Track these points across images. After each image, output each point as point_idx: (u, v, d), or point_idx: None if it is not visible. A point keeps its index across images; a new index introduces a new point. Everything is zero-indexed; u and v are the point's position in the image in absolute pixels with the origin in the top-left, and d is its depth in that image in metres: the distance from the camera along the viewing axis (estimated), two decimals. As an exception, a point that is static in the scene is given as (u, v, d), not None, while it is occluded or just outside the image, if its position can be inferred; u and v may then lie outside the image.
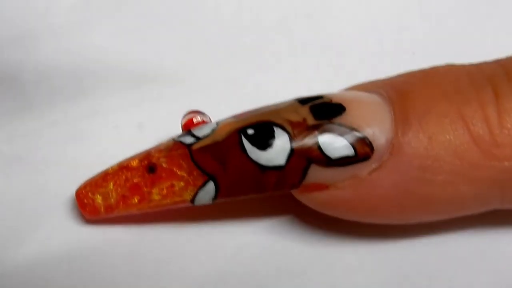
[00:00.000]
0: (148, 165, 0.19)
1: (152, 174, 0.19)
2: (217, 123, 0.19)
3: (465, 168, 0.17)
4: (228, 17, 0.26)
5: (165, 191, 0.19)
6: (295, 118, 0.18)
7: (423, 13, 0.26)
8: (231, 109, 0.20)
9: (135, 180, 0.19)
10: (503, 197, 0.18)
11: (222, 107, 0.20)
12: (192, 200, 0.19)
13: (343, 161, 0.18)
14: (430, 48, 0.25)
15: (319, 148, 0.18)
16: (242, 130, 0.18)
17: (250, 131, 0.18)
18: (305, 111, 0.18)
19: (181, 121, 0.20)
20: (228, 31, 0.26)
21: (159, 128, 0.23)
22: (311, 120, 0.18)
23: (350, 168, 0.18)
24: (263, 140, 0.18)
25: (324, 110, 0.18)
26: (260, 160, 0.18)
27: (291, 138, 0.18)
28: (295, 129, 0.18)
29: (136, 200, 0.19)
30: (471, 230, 0.20)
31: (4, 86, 0.24)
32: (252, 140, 0.18)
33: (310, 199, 0.19)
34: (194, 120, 0.20)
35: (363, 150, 0.18)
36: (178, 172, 0.19)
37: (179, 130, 0.20)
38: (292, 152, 0.18)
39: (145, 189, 0.19)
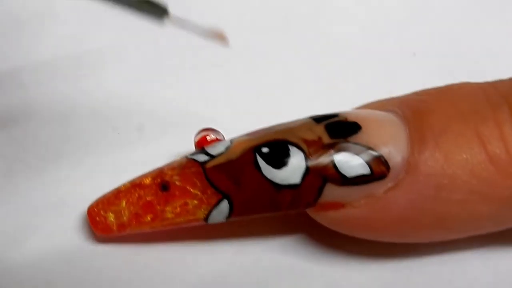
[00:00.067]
0: (161, 183, 0.19)
1: (165, 192, 0.19)
2: (231, 141, 0.19)
3: (482, 187, 0.17)
4: (227, 17, 0.26)
5: (178, 209, 0.19)
6: (310, 136, 0.18)
7: (423, 13, 0.26)
8: (231, 109, 0.19)
9: (148, 198, 0.19)
10: (518, 216, 0.18)
11: (222, 106, 0.20)
12: (206, 219, 0.19)
13: (359, 180, 0.18)
14: (430, 49, 0.25)
15: (335, 166, 0.18)
16: (257, 149, 0.18)
17: (265, 150, 0.18)
18: (320, 130, 0.18)
19: (194, 138, 0.20)
20: (228, 31, 0.26)
21: (159, 129, 0.23)
22: (326, 139, 0.18)
23: (365, 187, 0.18)
24: (278, 158, 0.18)
25: (339, 129, 0.18)
26: (275, 178, 0.18)
27: (307, 157, 0.18)
28: (310, 148, 0.18)
29: (149, 218, 0.19)
30: (485, 250, 0.20)
31: (4, 86, 0.24)
32: (267, 158, 0.18)
33: (325, 218, 0.19)
34: (208, 138, 0.20)
35: (379, 169, 0.18)
36: (192, 190, 0.19)
37: (179, 131, 0.20)
38: (308, 170, 0.18)
39: (158, 207, 0.19)
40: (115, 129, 0.23)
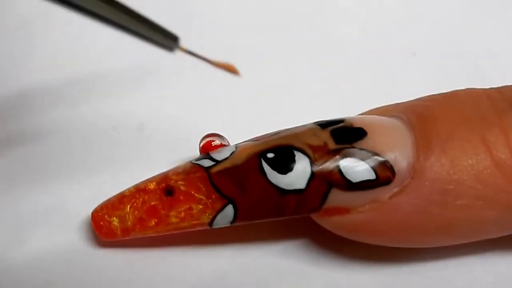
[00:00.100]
0: (166, 188, 0.19)
1: (170, 197, 0.19)
2: (236, 147, 0.19)
3: (487, 192, 0.17)
4: (228, 17, 0.26)
5: (183, 214, 0.19)
6: (315, 142, 0.18)
7: (423, 13, 0.26)
8: (230, 109, 0.19)
9: (152, 203, 0.19)
10: (524, 222, 0.18)
11: (222, 106, 0.20)
12: (210, 223, 0.19)
13: (364, 185, 0.18)
14: (430, 49, 0.26)
15: (340, 172, 0.18)
16: (262, 154, 0.18)
17: (270, 155, 0.18)
18: (325, 135, 0.18)
19: (199, 144, 0.20)
20: (228, 31, 0.26)
21: (159, 129, 0.23)
22: (332, 144, 0.18)
23: (371, 192, 0.18)
24: (284, 164, 0.18)
25: (345, 134, 0.18)
26: (280, 184, 0.18)
27: (312, 162, 0.18)
28: (316, 153, 0.18)
29: (153, 223, 0.19)
30: (486, 253, 0.20)
31: (4, 86, 0.24)
32: (272, 164, 0.18)
33: (329, 223, 0.19)
34: (213, 144, 0.20)
35: (384, 174, 0.18)
36: (197, 195, 0.19)
37: (179, 131, 0.20)
38: (313, 176, 0.18)
39: (162, 212, 0.19)
40: (115, 129, 0.23)
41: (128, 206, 0.19)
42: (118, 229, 0.19)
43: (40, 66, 0.25)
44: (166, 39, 0.16)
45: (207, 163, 0.19)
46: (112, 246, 0.20)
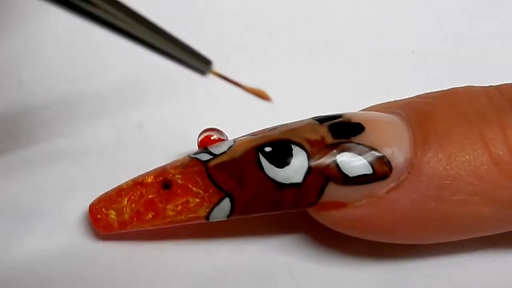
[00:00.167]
0: (164, 181, 0.19)
1: (167, 190, 0.19)
2: (234, 141, 0.19)
3: (484, 188, 0.17)
4: (228, 16, 0.26)
5: (180, 207, 0.19)
6: (313, 136, 0.18)
7: (422, 12, 0.26)
8: (230, 108, 0.19)
9: (149, 196, 0.19)
10: (521, 218, 0.18)
11: (222, 106, 0.20)
12: (207, 217, 0.19)
13: (361, 180, 0.18)
14: (429, 48, 0.26)
15: (337, 166, 0.18)
16: (259, 148, 0.18)
17: (268, 149, 0.18)
18: (323, 130, 0.18)
19: (198, 138, 0.20)
20: (228, 31, 0.26)
21: (158, 127, 0.23)
22: (329, 139, 0.18)
23: (368, 186, 0.18)
24: (281, 158, 0.18)
25: (343, 129, 0.18)
26: (277, 177, 0.18)
27: (309, 156, 0.18)
28: (313, 148, 0.18)
29: (150, 216, 0.19)
30: (485, 251, 0.20)
31: (4, 85, 0.24)
32: (270, 157, 0.18)
33: (326, 218, 0.19)
34: (211, 138, 0.20)
35: (381, 169, 0.18)
36: (194, 189, 0.19)
37: (178, 130, 0.20)
38: (310, 170, 0.18)
39: (159, 205, 0.19)
40: (114, 127, 0.23)
41: (126, 199, 0.19)
42: (115, 222, 0.19)
43: (40, 66, 0.25)
44: (199, 63, 0.16)
45: (205, 157, 0.19)
46: (110, 239, 0.20)
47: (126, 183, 0.20)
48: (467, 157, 0.17)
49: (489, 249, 0.20)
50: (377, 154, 0.18)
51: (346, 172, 0.18)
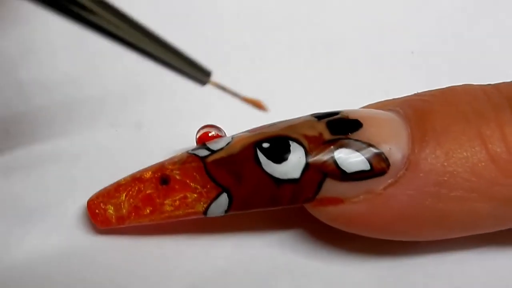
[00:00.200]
0: (162, 177, 0.19)
1: (165, 186, 0.19)
2: (232, 137, 0.19)
3: (482, 185, 0.17)
4: (228, 16, 0.26)
5: (177, 202, 0.19)
6: (311, 132, 0.18)
7: (421, 12, 0.27)
8: (229, 108, 0.19)
9: (148, 192, 0.19)
10: (518, 216, 0.18)
11: (221, 105, 0.20)
12: (205, 212, 0.19)
13: (359, 176, 0.18)
14: (428, 48, 0.26)
15: (335, 162, 0.18)
16: (257, 144, 0.18)
17: (266, 145, 0.18)
18: (321, 126, 0.18)
19: (196, 134, 0.20)
20: (228, 31, 0.26)
21: (157, 127, 0.23)
22: (327, 135, 0.18)
23: (365, 182, 0.18)
24: (279, 153, 0.18)
25: (340, 126, 0.18)
26: (275, 173, 0.18)
27: (307, 152, 0.18)
28: (311, 144, 0.18)
29: (148, 211, 0.19)
30: (483, 249, 0.20)
31: (3, 85, 0.24)
32: (268, 153, 0.18)
33: (324, 213, 0.19)
34: (210, 134, 0.20)
35: (379, 166, 0.18)
36: (192, 184, 0.19)
37: (177, 128, 0.20)
38: (307, 166, 0.18)
39: (157, 200, 0.19)
40: (113, 126, 0.23)
41: (124, 195, 0.19)
42: (113, 217, 0.19)
43: (39, 66, 0.25)
44: (199, 73, 0.16)
45: (203, 153, 0.19)
46: (109, 235, 0.20)
47: (124, 178, 0.20)
48: (465, 154, 0.17)
49: (490, 247, 0.20)
50: (375, 150, 0.18)
51: (344, 168, 0.18)
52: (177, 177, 0.19)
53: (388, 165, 0.18)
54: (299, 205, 0.19)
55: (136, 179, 0.20)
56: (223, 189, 0.18)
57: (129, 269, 0.20)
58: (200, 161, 0.19)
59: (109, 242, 0.20)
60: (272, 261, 0.20)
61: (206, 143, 0.19)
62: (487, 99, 0.18)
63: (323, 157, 0.18)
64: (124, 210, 0.19)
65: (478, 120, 0.18)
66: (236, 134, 0.19)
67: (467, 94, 0.19)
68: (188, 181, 0.19)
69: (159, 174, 0.19)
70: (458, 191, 0.17)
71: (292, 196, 0.18)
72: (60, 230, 0.20)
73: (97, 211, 0.20)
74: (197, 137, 0.20)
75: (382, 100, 0.20)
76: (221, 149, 0.19)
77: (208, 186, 0.19)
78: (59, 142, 0.23)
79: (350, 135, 0.18)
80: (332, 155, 0.18)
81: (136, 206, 0.19)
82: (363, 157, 0.18)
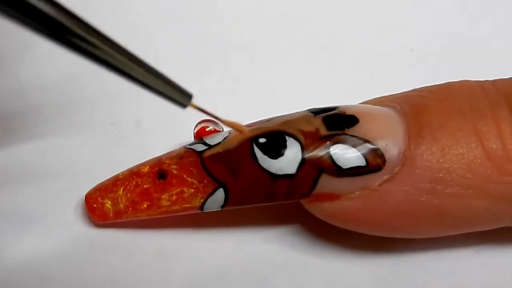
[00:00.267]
0: (159, 171, 0.19)
1: (162, 181, 0.19)
2: (229, 132, 0.19)
3: (477, 181, 0.17)
4: (228, 16, 0.26)
5: (174, 197, 0.19)
6: (307, 128, 0.18)
7: (421, 9, 0.27)
8: (229, 108, 0.19)
9: (145, 186, 0.19)
10: (514, 213, 0.18)
11: (221, 105, 0.20)
12: (201, 207, 0.19)
13: (355, 171, 0.18)
14: (428, 45, 0.26)
15: (331, 158, 0.18)
16: (254, 139, 0.18)
17: (262, 140, 0.18)
18: (318, 122, 0.18)
19: (194, 129, 0.20)
20: (228, 31, 0.26)
21: (156, 124, 0.23)
22: (323, 131, 0.18)
23: (361, 178, 0.18)
24: (275, 149, 0.18)
25: (337, 121, 0.18)
26: (271, 168, 0.18)
27: (303, 148, 0.18)
28: (307, 139, 0.18)
29: (145, 206, 0.19)
30: (481, 247, 0.20)
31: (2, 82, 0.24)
32: (264, 148, 0.18)
33: (320, 209, 0.19)
34: (207, 129, 0.20)
35: (375, 161, 0.18)
36: (189, 179, 0.19)
37: (176, 127, 0.20)
38: (304, 161, 0.18)
39: (155, 195, 0.19)
40: (112, 124, 0.23)
41: (121, 189, 0.20)
42: (111, 211, 0.20)
43: (39, 64, 0.25)
44: (180, 96, 0.16)
45: (200, 147, 0.19)
46: (107, 232, 0.20)
47: (122, 173, 0.20)
48: (461, 150, 0.17)
49: (488, 245, 0.20)
50: (371, 146, 0.18)
51: (340, 164, 0.18)
52: (175, 172, 0.19)
53: (384, 161, 0.18)
54: (295, 201, 0.19)
55: (133, 173, 0.20)
56: (219, 184, 0.19)
57: (129, 268, 0.20)
58: (197, 156, 0.19)
59: (109, 240, 0.20)
60: (271, 257, 0.20)
61: (204, 137, 0.20)
62: (484, 95, 0.18)
63: (319, 152, 0.18)
64: (122, 205, 0.19)
65: (475, 116, 0.18)
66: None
67: (464, 90, 0.19)
68: (185, 176, 0.19)
69: (156, 168, 0.19)
70: (454, 188, 0.17)
71: (288, 192, 0.18)
72: (59, 226, 0.21)
73: (94, 205, 0.20)
74: (195, 131, 0.20)
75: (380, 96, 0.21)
76: (218, 144, 0.19)
77: (205, 181, 0.19)
78: (58, 140, 0.23)
79: (346, 131, 0.18)
80: (328, 150, 0.18)
81: (134, 201, 0.19)
82: (359, 153, 0.18)
